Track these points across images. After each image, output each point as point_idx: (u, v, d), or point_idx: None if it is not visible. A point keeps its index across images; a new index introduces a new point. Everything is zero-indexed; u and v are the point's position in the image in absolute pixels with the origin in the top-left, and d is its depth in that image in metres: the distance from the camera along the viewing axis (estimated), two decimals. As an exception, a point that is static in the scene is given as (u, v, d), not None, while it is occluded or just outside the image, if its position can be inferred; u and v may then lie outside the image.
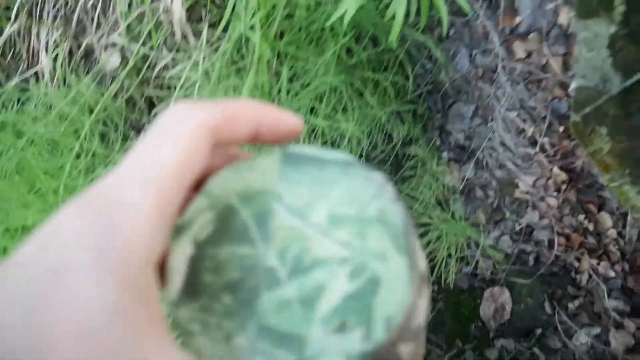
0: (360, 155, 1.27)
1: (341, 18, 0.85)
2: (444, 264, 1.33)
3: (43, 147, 1.04)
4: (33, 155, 1.04)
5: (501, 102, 1.44)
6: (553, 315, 1.32)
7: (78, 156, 1.04)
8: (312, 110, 1.15)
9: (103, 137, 1.16)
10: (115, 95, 1.25)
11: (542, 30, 1.27)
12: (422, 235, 1.28)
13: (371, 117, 1.19)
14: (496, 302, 1.33)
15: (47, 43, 1.33)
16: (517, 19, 1.29)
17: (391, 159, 1.34)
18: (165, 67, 1.28)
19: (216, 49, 1.23)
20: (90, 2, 1.29)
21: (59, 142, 1.06)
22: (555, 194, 1.40)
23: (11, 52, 1.42)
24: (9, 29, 1.28)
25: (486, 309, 1.33)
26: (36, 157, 1.04)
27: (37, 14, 1.32)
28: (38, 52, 1.36)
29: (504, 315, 1.33)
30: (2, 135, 1.06)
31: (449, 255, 1.29)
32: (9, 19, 1.30)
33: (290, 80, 1.18)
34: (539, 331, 1.31)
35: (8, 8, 1.36)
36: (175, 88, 1.28)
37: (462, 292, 1.35)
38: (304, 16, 1.04)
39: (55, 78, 1.30)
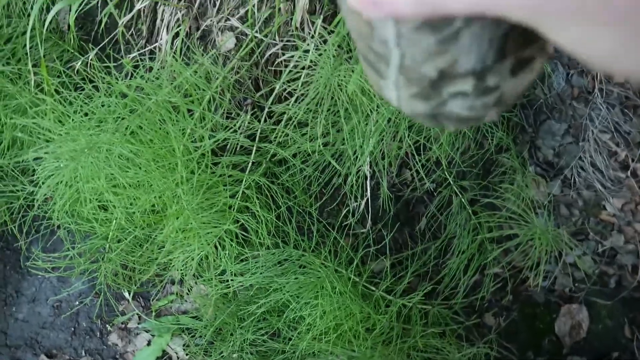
0: (452, 158, 1.30)
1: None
2: (522, 275, 1.33)
3: (164, 111, 1.12)
4: (155, 117, 1.12)
5: (595, 123, 1.44)
6: (632, 341, 1.30)
7: (199, 121, 1.11)
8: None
9: (215, 109, 1.24)
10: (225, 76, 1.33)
11: None
12: (503, 243, 1.29)
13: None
14: (573, 320, 1.32)
15: (169, 22, 1.43)
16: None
17: (480, 164, 1.36)
18: (276, 53, 1.35)
19: (325, 41, 1.30)
20: (214, -12, 1.38)
21: (179, 108, 1.14)
22: (643, 219, 1.39)
23: (131, 29, 1.53)
24: (138, 5, 1.39)
25: (562, 325, 1.32)
26: (158, 119, 1.12)
27: (164, -5, 1.42)
28: (159, 30, 1.47)
29: (580, 333, 1.31)
30: (128, 99, 1.15)
31: (530, 267, 1.29)
32: (137, -3, 1.41)
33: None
34: (615, 354, 1.29)
35: (135, -12, 1.47)
36: (281, 73, 1.36)
37: (538, 305, 1.34)
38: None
39: (172, 55, 1.40)
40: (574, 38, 0.22)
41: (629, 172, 1.40)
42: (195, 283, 1.41)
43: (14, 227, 1.42)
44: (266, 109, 1.33)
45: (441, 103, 0.29)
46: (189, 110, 1.20)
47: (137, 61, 1.44)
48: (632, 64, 0.22)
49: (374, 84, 0.31)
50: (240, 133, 1.32)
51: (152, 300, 1.46)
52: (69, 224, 1.27)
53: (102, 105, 1.19)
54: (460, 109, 0.29)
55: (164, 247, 1.24)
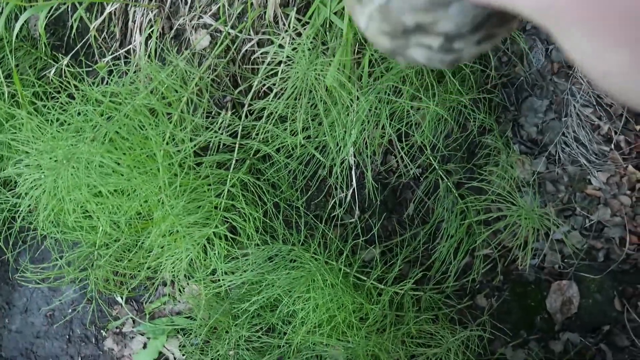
0: (435, 143, 1.30)
1: None
2: (512, 255, 1.34)
3: (142, 117, 1.11)
4: (133, 123, 1.11)
5: (576, 98, 1.44)
6: (622, 313, 1.31)
7: (178, 124, 1.10)
8: (395, 91, 1.19)
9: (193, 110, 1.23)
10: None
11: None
12: (491, 224, 1.30)
13: (450, 102, 1.22)
14: (563, 296, 1.33)
15: (141, 23, 1.41)
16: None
17: (464, 146, 1.36)
18: (252, 49, 1.34)
19: (299, 34, 1.28)
20: (184, -15, 1.36)
21: (156, 112, 1.12)
22: (629, 192, 1.39)
23: (104, 33, 1.51)
24: (109, 8, 1.36)
25: (553, 302, 1.34)
26: (136, 125, 1.11)
27: (134, -5, 1.40)
28: (131, 32, 1.44)
29: (571, 309, 1.33)
30: (104, 106, 1.14)
31: (519, 246, 1.30)
32: (108, -1, 1.38)
33: (372, 64, 1.22)
34: (606, 327, 1.30)
35: (105, -10, 1.45)
36: (259, 68, 1.34)
37: (528, 284, 1.35)
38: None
39: (147, 55, 1.38)
40: (584, 50, 0.22)
41: (612, 145, 1.41)
42: (187, 283, 1.41)
43: (0, 239, 1.41)
44: (246, 106, 1.32)
45: (405, 46, 0.32)
46: (167, 114, 1.19)
47: (111, 66, 1.42)
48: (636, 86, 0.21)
49: (349, 2, 0.33)
50: (222, 131, 1.31)
51: (145, 303, 1.46)
52: (55, 234, 1.27)
53: (78, 114, 1.18)
54: (420, 56, 0.32)
55: (152, 251, 1.23)
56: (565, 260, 1.36)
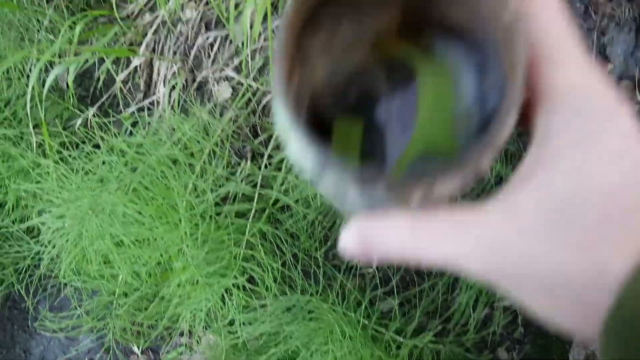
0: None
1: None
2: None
3: (165, 167, 1.14)
4: (156, 173, 1.13)
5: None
6: (648, 368, 1.28)
7: (200, 175, 1.12)
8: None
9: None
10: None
11: (634, 78, 1.28)
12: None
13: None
14: (587, 349, 1.30)
15: (165, 76, 1.45)
16: (609, 66, 1.31)
17: (481, 197, 1.36)
18: (271, 100, 1.37)
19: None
20: (208, 40, 1.41)
21: (178, 162, 1.15)
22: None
23: (128, 84, 1.56)
24: (135, 62, 1.42)
25: (576, 355, 1.31)
26: (159, 175, 1.13)
27: (159, 49, 1.45)
28: (155, 84, 1.49)
29: (595, 364, 1.30)
30: (128, 157, 1.17)
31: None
32: (133, 51, 1.44)
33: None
34: (632, 383, 1.27)
35: (132, 44, 1.51)
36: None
37: (550, 337, 1.33)
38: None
39: (170, 107, 1.42)
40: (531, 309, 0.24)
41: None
42: (204, 334, 1.40)
43: (21, 287, 1.42)
44: (266, 156, 1.34)
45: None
46: (189, 164, 1.21)
47: (136, 117, 1.46)
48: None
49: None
50: (242, 181, 1.33)
51: (162, 353, 1.45)
52: (76, 282, 1.28)
53: (103, 163, 1.21)
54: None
55: (171, 300, 1.23)
56: (588, 313, 1.34)
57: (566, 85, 0.22)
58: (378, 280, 1.34)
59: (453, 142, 0.27)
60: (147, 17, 1.47)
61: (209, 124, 1.26)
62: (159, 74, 1.46)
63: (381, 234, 0.25)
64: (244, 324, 1.25)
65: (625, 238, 0.20)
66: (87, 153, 1.23)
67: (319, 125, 0.27)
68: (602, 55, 1.31)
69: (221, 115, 1.38)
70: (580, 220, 0.21)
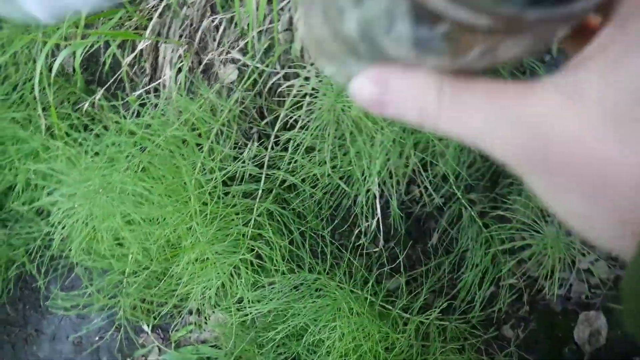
0: (458, 172, 1.32)
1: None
2: (538, 284, 1.34)
3: (173, 147, 1.15)
4: (164, 153, 1.15)
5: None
6: (652, 344, 1.29)
7: (208, 154, 1.14)
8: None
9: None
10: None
11: None
12: (516, 253, 1.30)
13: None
14: (591, 327, 1.32)
15: (171, 59, 1.46)
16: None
17: (487, 176, 1.37)
18: (278, 82, 1.38)
19: (325, 67, 1.33)
20: (213, 23, 1.42)
21: (188, 142, 1.16)
22: (654, 220, 1.39)
23: (134, 67, 1.57)
24: (141, 45, 1.42)
25: (581, 333, 1.32)
26: (168, 155, 1.14)
27: (165, 32, 1.46)
28: (161, 67, 1.50)
29: (599, 340, 1.31)
30: (137, 137, 1.18)
31: (545, 276, 1.29)
32: (139, 35, 1.45)
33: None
34: (636, 359, 1.28)
35: (137, 28, 1.51)
36: (284, 100, 1.38)
37: (556, 314, 1.34)
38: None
39: (176, 89, 1.43)
40: (557, 203, 0.22)
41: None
42: (213, 312, 1.42)
43: (32, 267, 1.44)
44: (272, 137, 1.35)
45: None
46: (197, 144, 1.22)
47: (143, 99, 1.47)
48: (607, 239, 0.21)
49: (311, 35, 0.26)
50: (249, 162, 1.34)
51: (172, 331, 1.48)
52: (86, 261, 1.30)
53: (112, 144, 1.22)
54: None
55: (181, 279, 1.25)
56: (592, 290, 1.35)
57: None
58: (385, 259, 1.36)
59: None
60: (152, 0, 1.48)
61: (216, 105, 1.27)
62: (164, 57, 1.46)
63: (404, 83, 0.22)
64: (252, 301, 1.26)
65: None
66: (96, 134, 1.24)
67: None
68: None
69: (228, 97, 1.39)
70: None
